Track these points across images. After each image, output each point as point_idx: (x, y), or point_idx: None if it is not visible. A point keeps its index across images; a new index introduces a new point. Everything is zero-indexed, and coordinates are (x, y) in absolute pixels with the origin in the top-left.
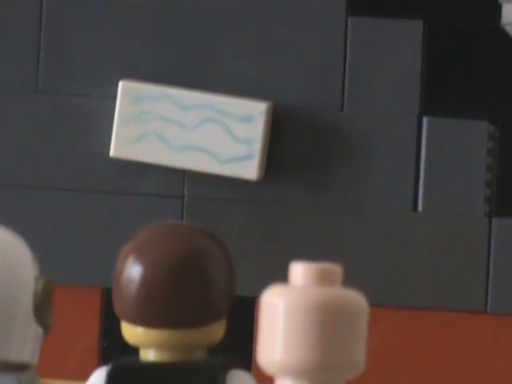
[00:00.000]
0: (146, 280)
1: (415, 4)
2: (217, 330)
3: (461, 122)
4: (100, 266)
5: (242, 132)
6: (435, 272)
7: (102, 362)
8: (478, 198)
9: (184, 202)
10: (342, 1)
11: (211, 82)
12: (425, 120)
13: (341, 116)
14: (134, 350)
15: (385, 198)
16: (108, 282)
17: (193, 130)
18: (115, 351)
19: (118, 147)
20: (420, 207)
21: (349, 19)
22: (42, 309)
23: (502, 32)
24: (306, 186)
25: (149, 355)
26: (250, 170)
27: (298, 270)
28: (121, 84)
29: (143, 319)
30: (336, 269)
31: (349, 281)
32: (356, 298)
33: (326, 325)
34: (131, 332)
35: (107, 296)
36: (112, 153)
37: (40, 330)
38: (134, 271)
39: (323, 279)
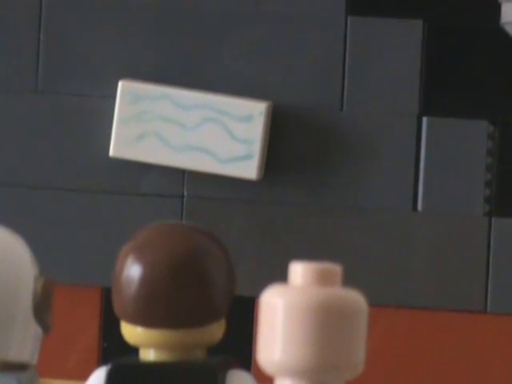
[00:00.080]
0: (145, 280)
1: (415, 4)
2: (216, 330)
3: (460, 121)
4: (100, 265)
5: (242, 132)
6: (435, 272)
7: (101, 361)
8: (478, 198)
9: (184, 202)
10: (341, 0)
11: (211, 81)
12: (424, 120)
13: (340, 116)
14: (134, 350)
15: (384, 198)
16: (108, 282)
17: (192, 129)
18: (115, 351)
19: (118, 147)
20: (419, 207)
21: (348, 19)
22: (42, 309)
23: (501, 31)
24: (305, 185)
25: (148, 355)
26: (249, 169)
27: (298, 270)
28: (120, 84)
29: (143, 319)
30: (335, 269)
31: (348, 281)
32: (355, 298)
33: (326, 325)
34: (131, 332)
35: (107, 296)
36: (112, 153)
37: (40, 330)
38: (133, 271)
39: (323, 279)
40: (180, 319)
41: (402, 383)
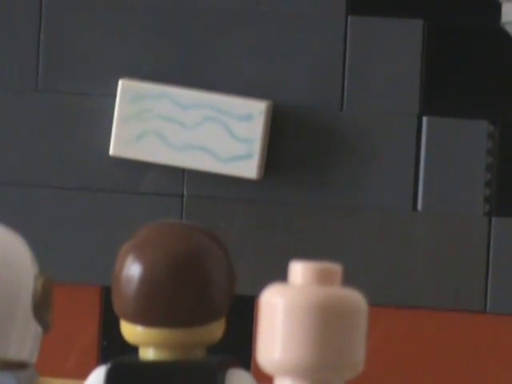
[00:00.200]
0: (145, 279)
1: (415, 3)
2: (216, 329)
3: (460, 121)
4: (99, 264)
5: (242, 131)
6: (435, 271)
7: (101, 360)
8: (478, 198)
9: (183, 201)
10: (342, 0)
11: (211, 80)
12: (424, 119)
13: (340, 115)
14: (134, 349)
15: (384, 198)
16: (107, 281)
17: (192, 128)
18: (114, 350)
19: (118, 146)
20: (419, 206)
21: (349, 18)
22: (42, 307)
23: (501, 31)
24: (305, 185)
25: (148, 354)
26: (249, 169)
27: (298, 270)
28: (120, 83)
29: (142, 318)
30: (335, 268)
31: (348, 280)
32: (355, 298)
33: (326, 324)
34: (130, 331)
35: (107, 295)
36: (112, 151)
37: (39, 329)
38: (133, 270)
39: (323, 278)
40: (180, 318)
41: (402, 383)
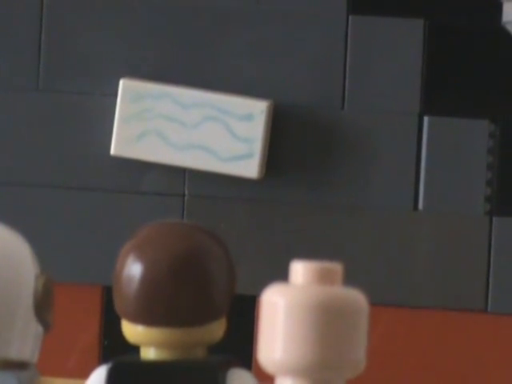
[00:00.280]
0: (146, 278)
1: (416, 3)
2: (217, 329)
3: (461, 120)
4: (100, 264)
5: (243, 130)
6: (435, 271)
7: (102, 360)
8: (479, 197)
9: (184, 201)
10: None
11: (212, 80)
12: (425, 119)
13: (341, 115)
14: (135, 349)
15: (385, 197)
16: (108, 281)
17: (193, 128)
18: (115, 349)
19: (119, 145)
20: (420, 206)
21: (349, 18)
22: (43, 307)
23: (502, 31)
24: (306, 184)
25: (149, 353)
26: (250, 168)
27: (299, 269)
28: (121, 82)
29: (143, 317)
30: (336, 268)
31: (349, 280)
32: (356, 297)
33: (327, 324)
34: (131, 330)
35: (108, 294)
36: (113, 151)
37: (40, 329)
38: (134, 269)
39: (323, 278)
40: (180, 318)
41: (403, 382)
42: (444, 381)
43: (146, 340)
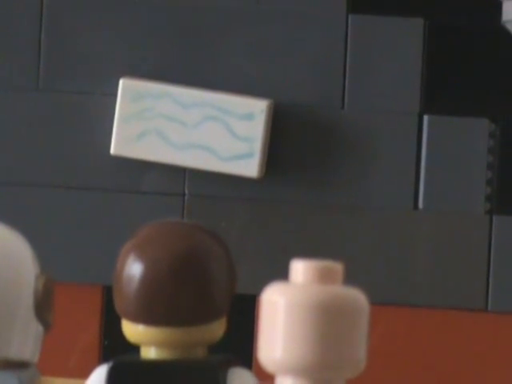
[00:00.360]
0: (146, 278)
1: (416, 2)
2: (217, 328)
3: (461, 120)
4: (101, 264)
5: (243, 130)
6: (436, 270)
7: (102, 359)
8: (479, 196)
9: (185, 200)
10: None
11: (212, 80)
12: (425, 118)
13: (341, 114)
14: (135, 348)
15: (385, 196)
16: (109, 280)
17: (193, 127)
18: (116, 349)
19: (119, 145)
20: (421, 205)
21: (349, 17)
22: (43, 307)
23: (502, 30)
24: (306, 183)
25: (149, 353)
26: (250, 167)
27: (299, 268)
28: (121, 82)
29: (144, 317)
30: (337, 267)
31: (349, 279)
32: (357, 296)
33: (327, 323)
34: (132, 330)
35: (108, 294)
36: (113, 151)
37: (41, 328)
38: (134, 269)
39: (324, 277)
40: (181, 317)
41: (403, 381)
42: (444, 380)
43: (146, 339)
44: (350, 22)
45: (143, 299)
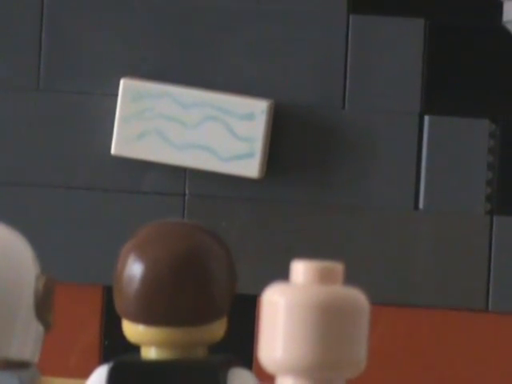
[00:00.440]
0: (146, 278)
1: (416, 2)
2: (218, 328)
3: (462, 120)
4: (101, 264)
5: (243, 130)
6: (436, 270)
7: (103, 360)
8: (479, 197)
9: (185, 200)
10: None
11: (212, 80)
12: (426, 118)
13: (342, 114)
14: (135, 348)
15: (386, 196)
16: (109, 280)
17: (194, 128)
18: (116, 349)
19: (119, 145)
20: (421, 205)
21: (350, 17)
22: (43, 307)
23: (503, 30)
24: (307, 184)
25: (150, 353)
26: (251, 168)
27: (299, 268)
28: (122, 82)
29: (144, 317)
30: (337, 267)
31: (350, 279)
32: (357, 297)
33: (327, 323)
34: (132, 330)
35: (108, 294)
36: (113, 151)
37: (41, 328)
38: (134, 269)
39: (324, 277)
40: (181, 317)
41: (403, 381)
42: (444, 380)
43: (146, 339)
44: (350, 22)
45: (143, 299)
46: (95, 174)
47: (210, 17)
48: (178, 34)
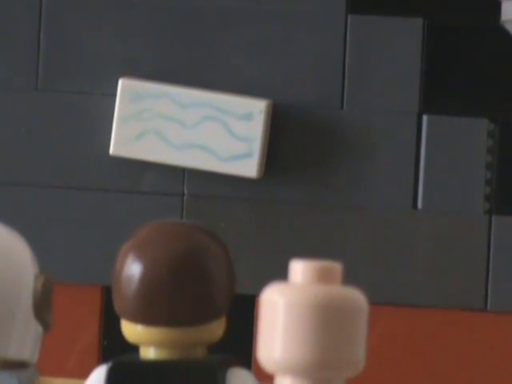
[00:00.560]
0: (145, 278)
1: (415, 2)
2: (216, 328)
3: (460, 120)
4: (100, 264)
5: (242, 130)
6: (435, 270)
7: (101, 360)
8: (478, 196)
9: (184, 200)
10: None
11: (211, 80)
12: (424, 118)
13: (340, 114)
14: (134, 348)
15: (385, 196)
16: (108, 280)
17: (192, 128)
18: (115, 349)
19: (118, 145)
20: (420, 205)
21: (348, 17)
22: (42, 307)
23: (501, 30)
24: (305, 183)
25: (149, 353)
26: (249, 168)
27: (298, 268)
28: (121, 82)
29: (143, 317)
30: (336, 267)
31: (348, 279)
32: (356, 296)
33: (326, 323)
34: (131, 330)
35: (107, 294)
36: (112, 151)
37: (40, 328)
38: (133, 269)
39: (323, 277)
40: (180, 317)
41: (402, 382)
42: (444, 380)
43: (145, 339)
44: (349, 22)
45: (142, 299)
46: (94, 174)
47: (209, 17)
48: (177, 34)
